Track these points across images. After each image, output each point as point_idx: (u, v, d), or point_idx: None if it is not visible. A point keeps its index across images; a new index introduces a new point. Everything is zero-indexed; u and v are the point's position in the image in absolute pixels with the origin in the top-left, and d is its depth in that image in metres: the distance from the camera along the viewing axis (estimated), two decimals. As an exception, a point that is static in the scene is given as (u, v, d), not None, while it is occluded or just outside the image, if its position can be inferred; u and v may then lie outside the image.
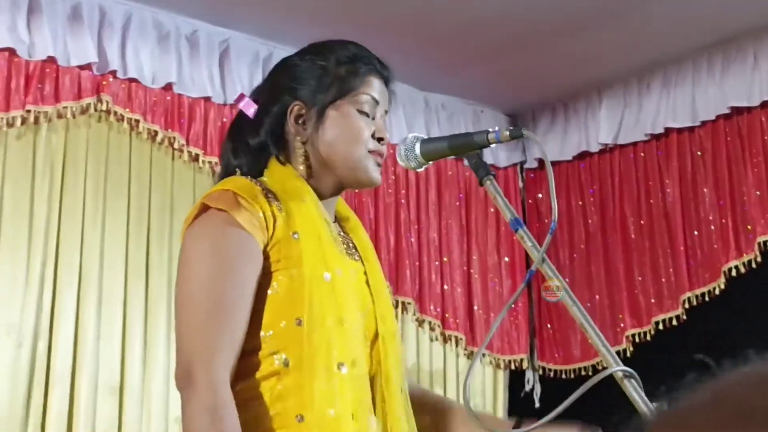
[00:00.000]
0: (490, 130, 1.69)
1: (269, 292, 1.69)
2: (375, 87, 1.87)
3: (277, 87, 1.87)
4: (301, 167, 1.82)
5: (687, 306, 4.76)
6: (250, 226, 1.67)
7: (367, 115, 1.85)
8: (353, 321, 1.72)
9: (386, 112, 1.91)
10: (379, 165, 1.85)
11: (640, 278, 4.98)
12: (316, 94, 1.82)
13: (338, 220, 1.91)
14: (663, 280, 4.88)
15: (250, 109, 1.86)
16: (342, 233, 1.87)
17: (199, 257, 1.68)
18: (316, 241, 1.72)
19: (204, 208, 1.70)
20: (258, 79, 4.53)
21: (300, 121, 1.82)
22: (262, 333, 1.67)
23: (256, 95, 1.91)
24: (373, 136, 1.84)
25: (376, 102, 1.86)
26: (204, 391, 1.56)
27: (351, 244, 1.86)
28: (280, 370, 1.65)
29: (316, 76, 1.84)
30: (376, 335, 1.78)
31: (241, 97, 1.89)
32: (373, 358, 1.77)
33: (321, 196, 1.82)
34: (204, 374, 1.57)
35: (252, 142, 1.84)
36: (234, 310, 1.63)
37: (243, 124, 1.87)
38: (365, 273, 1.84)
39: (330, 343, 1.67)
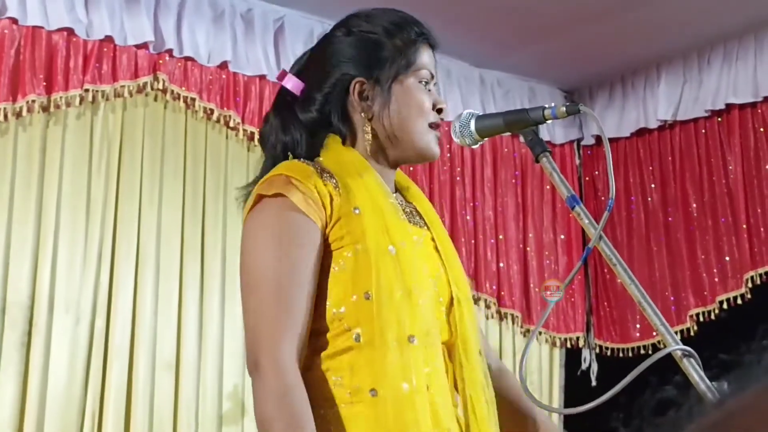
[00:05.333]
0: (546, 106, 1.66)
1: (335, 269, 1.68)
2: (429, 57, 1.86)
3: (328, 64, 1.83)
4: (366, 144, 1.80)
5: (750, 285, 4.68)
6: (305, 207, 1.66)
7: (426, 86, 1.84)
8: (422, 291, 1.71)
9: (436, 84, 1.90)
10: (438, 137, 1.84)
11: (702, 257, 4.90)
12: (377, 69, 1.80)
13: (399, 190, 1.90)
14: (726, 258, 4.80)
15: (297, 87, 1.84)
16: (405, 202, 1.86)
17: (258, 245, 1.67)
18: (378, 215, 1.71)
19: (259, 198, 1.70)
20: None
21: (364, 98, 1.80)
22: (333, 310, 1.67)
23: (301, 72, 1.88)
24: (432, 107, 1.83)
25: (432, 74, 1.85)
26: (271, 377, 1.57)
27: (415, 212, 1.85)
28: (353, 345, 1.65)
29: (371, 50, 1.82)
30: (452, 300, 1.77)
31: (284, 73, 1.87)
32: (450, 323, 1.75)
33: (380, 171, 1.81)
34: (270, 360, 1.58)
35: (304, 119, 1.82)
36: (296, 293, 1.63)
37: (291, 101, 1.85)
38: (433, 239, 1.82)
39: (400, 315, 1.65)
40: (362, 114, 1.80)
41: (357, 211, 1.69)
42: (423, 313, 1.69)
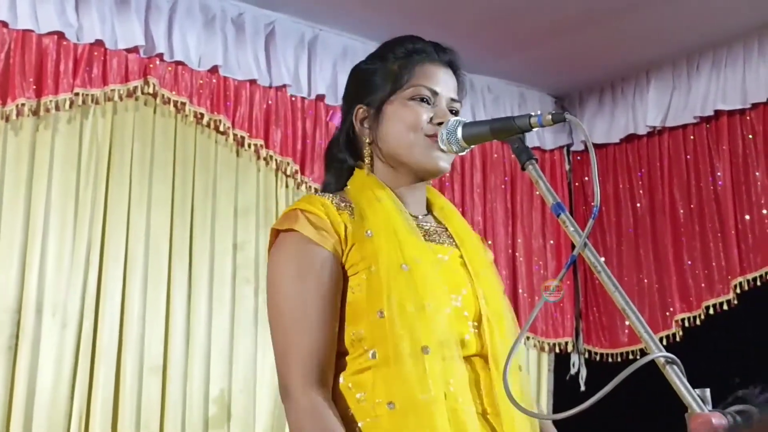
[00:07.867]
0: (533, 113, 1.67)
1: (352, 292, 1.75)
2: (431, 75, 1.87)
3: (347, 96, 1.96)
4: (379, 166, 1.88)
5: (738, 291, 4.70)
6: (317, 237, 1.74)
7: (427, 102, 1.85)
8: (439, 305, 1.73)
9: (453, 100, 1.89)
10: (443, 151, 1.82)
11: (689, 262, 4.91)
12: (374, 93, 1.87)
13: (431, 209, 1.95)
14: (713, 264, 4.81)
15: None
16: (435, 221, 1.92)
17: (280, 280, 1.77)
18: (391, 235, 1.76)
19: (275, 234, 1.80)
20: (303, 62, 4.55)
21: (365, 123, 1.89)
22: (353, 332, 1.74)
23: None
24: (431, 121, 1.83)
25: (432, 90, 1.85)
26: (300, 397, 1.67)
27: (445, 232, 1.90)
28: (371, 364, 1.71)
29: (373, 77, 1.89)
30: (480, 315, 1.79)
31: (335, 112, 1.99)
32: (480, 337, 1.77)
33: (402, 192, 1.87)
34: (298, 383, 1.68)
35: (338, 156, 1.93)
36: (318, 320, 1.72)
37: (333, 139, 1.97)
38: (461, 257, 1.86)
39: (412, 328, 1.68)
40: (365, 139, 1.89)
41: (369, 234, 1.76)
42: (437, 324, 1.71)
